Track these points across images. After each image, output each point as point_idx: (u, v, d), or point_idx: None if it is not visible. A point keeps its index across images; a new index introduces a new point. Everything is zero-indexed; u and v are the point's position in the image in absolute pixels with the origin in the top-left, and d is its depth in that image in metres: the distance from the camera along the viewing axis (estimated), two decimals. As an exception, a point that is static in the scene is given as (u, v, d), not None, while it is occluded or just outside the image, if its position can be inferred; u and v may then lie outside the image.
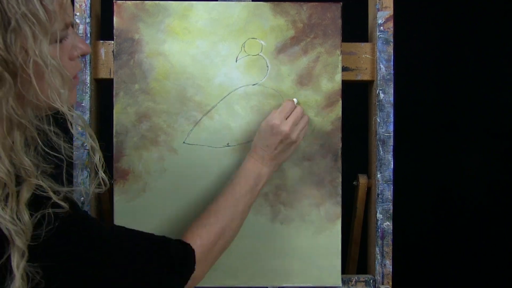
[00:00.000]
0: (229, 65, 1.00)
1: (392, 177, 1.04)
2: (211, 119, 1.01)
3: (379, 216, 1.04)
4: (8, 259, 0.63)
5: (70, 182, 0.73)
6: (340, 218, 1.02)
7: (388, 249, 1.04)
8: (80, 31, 1.00)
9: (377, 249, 1.04)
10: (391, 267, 1.04)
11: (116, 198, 1.00)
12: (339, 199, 1.02)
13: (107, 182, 0.77)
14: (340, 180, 1.02)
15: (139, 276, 0.76)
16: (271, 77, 1.01)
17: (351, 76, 1.05)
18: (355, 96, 1.14)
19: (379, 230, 1.04)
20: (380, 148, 1.03)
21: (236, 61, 1.01)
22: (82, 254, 0.69)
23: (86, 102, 1.01)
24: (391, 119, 1.04)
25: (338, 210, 1.02)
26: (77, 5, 1.01)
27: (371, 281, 1.04)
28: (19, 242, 0.63)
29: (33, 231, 0.64)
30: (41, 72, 0.64)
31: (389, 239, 1.04)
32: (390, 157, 1.04)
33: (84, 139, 0.73)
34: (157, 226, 0.99)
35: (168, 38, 1.00)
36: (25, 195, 0.64)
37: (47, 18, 0.63)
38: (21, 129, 0.65)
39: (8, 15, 0.61)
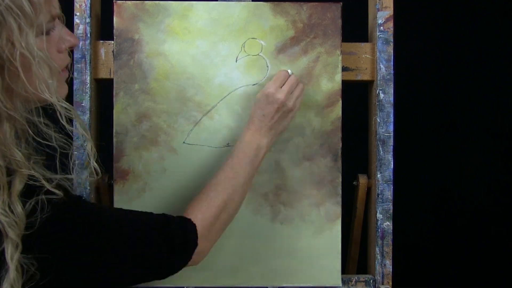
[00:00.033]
0: (229, 65, 1.00)
1: (392, 177, 1.04)
2: (211, 119, 1.01)
3: (379, 216, 1.04)
4: (2, 251, 0.63)
5: (63, 170, 0.73)
6: (340, 218, 1.02)
7: (388, 249, 1.04)
8: (80, 31, 1.00)
9: (377, 249, 1.04)
10: (391, 267, 1.04)
11: (116, 198, 1.00)
12: (339, 199, 1.02)
13: (99, 172, 0.77)
14: (340, 180, 1.02)
15: (140, 260, 0.75)
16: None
17: (351, 76, 1.05)
18: (355, 96, 1.14)
19: (379, 230, 1.04)
20: (380, 148, 1.03)
21: (236, 61, 1.01)
22: (77, 241, 0.68)
23: (86, 102, 1.01)
24: (391, 119, 1.04)
25: (338, 210, 1.02)
26: (77, 5, 1.01)
27: (371, 281, 1.04)
28: (12, 234, 0.63)
29: (27, 219, 0.64)
30: (28, 64, 0.65)
31: (389, 239, 1.04)
32: (390, 157, 1.04)
33: (76, 129, 0.73)
34: (157, 226, 0.99)
35: (168, 38, 1.00)
36: (18, 186, 0.64)
37: (32, 10, 0.64)
38: (10, 121, 0.66)
39: None
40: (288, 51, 1.01)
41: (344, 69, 1.04)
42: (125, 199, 0.99)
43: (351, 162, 1.12)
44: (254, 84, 1.01)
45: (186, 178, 1.00)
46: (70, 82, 0.99)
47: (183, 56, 1.00)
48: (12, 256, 0.63)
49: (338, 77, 1.02)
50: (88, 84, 1.01)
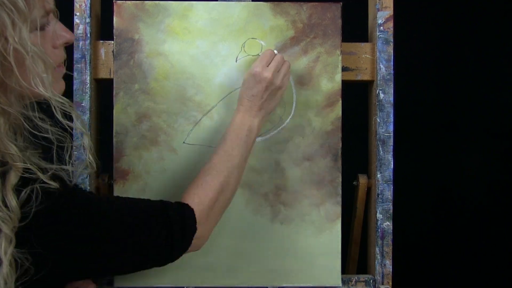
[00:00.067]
0: (229, 65, 1.00)
1: (392, 177, 1.04)
2: (211, 119, 1.01)
3: (379, 216, 1.04)
4: None
5: (59, 161, 0.73)
6: (340, 218, 1.02)
7: (388, 249, 1.04)
8: (80, 31, 1.00)
9: (377, 249, 1.04)
10: (391, 267, 1.04)
11: (116, 198, 0.99)
12: (339, 199, 1.02)
13: (94, 165, 0.78)
14: (340, 180, 1.02)
15: (138, 247, 0.75)
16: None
17: (351, 76, 1.05)
18: (355, 96, 1.14)
19: (379, 230, 1.04)
20: (380, 148, 1.03)
21: (236, 61, 1.01)
22: (73, 231, 0.68)
23: (86, 102, 1.01)
24: (391, 119, 1.04)
25: (338, 210, 1.02)
26: (77, 5, 1.01)
27: (371, 281, 1.04)
28: (6, 229, 0.62)
29: (21, 209, 0.63)
30: (22, 59, 0.65)
31: (389, 239, 1.04)
32: (390, 157, 1.04)
33: (72, 124, 0.73)
34: (157, 226, 0.99)
35: (168, 38, 1.00)
36: (12, 180, 0.64)
37: (25, 5, 0.64)
38: (5, 116, 0.66)
39: None
40: (288, 51, 1.01)
41: (344, 69, 1.04)
42: (125, 199, 0.99)
43: (351, 162, 1.12)
44: (254, 84, 1.01)
45: (186, 178, 1.00)
46: (70, 82, 1.00)
47: (183, 56, 1.00)
48: (6, 250, 0.62)
49: (338, 77, 1.02)
50: (88, 84, 1.01)
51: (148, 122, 1.00)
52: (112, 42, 1.01)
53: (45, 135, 0.72)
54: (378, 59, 1.03)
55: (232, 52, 1.00)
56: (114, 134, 1.00)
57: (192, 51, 1.00)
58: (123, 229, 0.73)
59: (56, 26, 0.71)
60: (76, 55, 1.00)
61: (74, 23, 1.00)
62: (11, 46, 0.63)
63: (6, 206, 0.63)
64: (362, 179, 1.06)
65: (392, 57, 1.03)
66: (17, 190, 0.64)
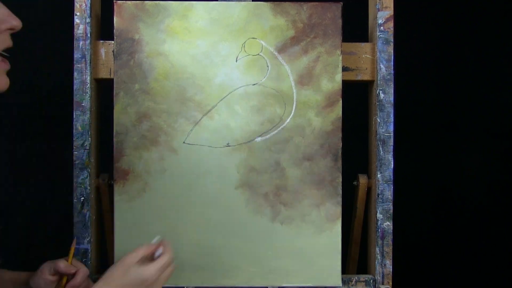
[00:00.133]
0: (229, 65, 1.00)
1: (392, 177, 1.04)
2: (211, 119, 1.01)
3: (379, 216, 1.04)
4: None
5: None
6: (340, 218, 1.02)
7: (388, 249, 1.04)
8: (80, 31, 1.00)
9: (377, 249, 1.04)
10: (391, 267, 1.04)
11: (116, 198, 1.00)
12: (339, 199, 1.02)
13: None
14: (340, 180, 1.02)
15: None
16: (271, 77, 1.01)
17: (351, 76, 1.05)
18: (355, 96, 1.14)
19: (379, 230, 1.04)
20: (380, 148, 1.03)
21: (236, 61, 1.01)
22: None
23: (86, 102, 1.01)
24: (391, 119, 1.04)
25: (338, 210, 1.02)
26: (77, 5, 1.01)
27: (371, 281, 1.04)
28: None
29: None
30: None
31: (389, 239, 1.04)
32: (390, 157, 1.04)
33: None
34: (157, 226, 0.99)
35: (168, 38, 1.00)
36: None
37: None
38: None
39: None
40: (288, 51, 1.01)
41: (344, 69, 1.04)
42: (125, 199, 0.99)
43: (351, 162, 1.12)
44: (254, 84, 1.01)
45: (186, 178, 1.00)
46: (70, 82, 1.00)
47: (183, 56, 1.00)
48: None
49: (338, 77, 1.02)
50: (88, 84, 1.01)
51: (148, 122, 1.00)
52: (112, 42, 1.01)
53: None
54: (378, 59, 1.03)
55: (232, 52, 1.00)
56: (114, 134, 1.00)
57: (192, 51, 1.00)
58: None
59: (0, 11, 0.67)
60: (76, 55, 1.00)
61: (74, 23, 1.00)
62: None
63: None
64: (362, 179, 1.06)
65: (392, 57, 1.03)
66: None
